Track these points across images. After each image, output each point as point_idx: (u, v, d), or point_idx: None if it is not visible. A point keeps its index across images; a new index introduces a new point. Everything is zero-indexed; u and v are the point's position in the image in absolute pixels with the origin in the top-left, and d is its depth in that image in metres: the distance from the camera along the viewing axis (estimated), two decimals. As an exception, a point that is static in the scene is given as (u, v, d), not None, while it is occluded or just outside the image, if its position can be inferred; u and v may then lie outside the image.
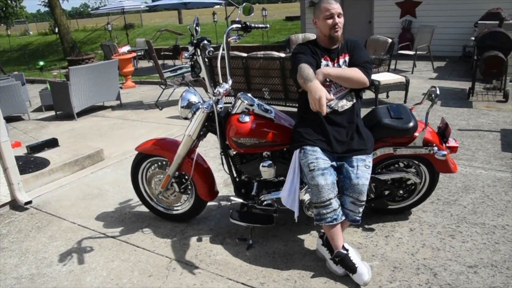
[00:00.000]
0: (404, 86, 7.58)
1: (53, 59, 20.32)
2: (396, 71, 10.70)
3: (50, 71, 15.75)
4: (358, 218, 3.03)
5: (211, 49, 2.94)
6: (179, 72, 8.67)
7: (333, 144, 3.04)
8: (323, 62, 3.13)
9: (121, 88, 10.88)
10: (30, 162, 5.35)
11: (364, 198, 2.97)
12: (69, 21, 22.98)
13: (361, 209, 3.02)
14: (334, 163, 3.03)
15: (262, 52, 6.67)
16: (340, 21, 3.07)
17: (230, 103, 6.90)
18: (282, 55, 6.47)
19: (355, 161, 3.01)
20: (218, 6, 16.47)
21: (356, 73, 3.05)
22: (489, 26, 8.41)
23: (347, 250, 3.03)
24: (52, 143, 5.90)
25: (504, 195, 4.11)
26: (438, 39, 12.13)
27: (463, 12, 12.37)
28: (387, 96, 8.15)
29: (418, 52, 10.76)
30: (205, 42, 3.09)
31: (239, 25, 3.30)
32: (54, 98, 8.27)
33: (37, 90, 10.71)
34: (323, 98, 2.69)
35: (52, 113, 8.63)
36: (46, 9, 21.37)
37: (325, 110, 2.71)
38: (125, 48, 14.42)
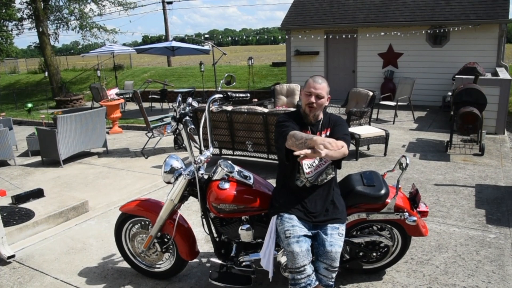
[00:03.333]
0: (384, 140, 7.83)
1: (41, 98, 20.46)
2: (378, 120, 11.02)
3: (38, 111, 15.87)
4: (331, 283, 3.16)
5: (192, 126, 3.12)
6: (165, 121, 8.83)
7: (309, 214, 3.22)
8: None
9: (108, 133, 10.99)
10: (15, 214, 5.42)
11: (337, 264, 3.12)
12: (58, 59, 23.19)
13: (334, 275, 3.15)
14: (309, 232, 3.18)
15: (245, 107, 6.89)
16: (319, 102, 3.21)
17: (216, 154, 7.03)
18: (265, 110, 6.69)
19: (329, 229, 3.18)
20: (205, 54, 16.80)
21: (343, 144, 3.17)
22: (465, 82, 8.75)
23: None
24: (38, 193, 5.97)
25: (476, 254, 4.27)
26: (419, 89, 12.57)
27: (442, 64, 12.88)
28: (368, 149, 8.38)
29: (399, 103, 11.11)
30: (187, 118, 3.28)
31: (221, 95, 3.50)
32: (41, 144, 8.36)
33: (24, 133, 10.82)
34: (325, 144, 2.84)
35: (38, 158, 8.70)
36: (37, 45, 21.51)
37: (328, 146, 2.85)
38: (114, 91, 14.66)
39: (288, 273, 3.15)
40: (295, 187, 3.29)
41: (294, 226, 3.13)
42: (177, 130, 3.37)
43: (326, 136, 3.29)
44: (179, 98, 3.44)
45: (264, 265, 3.32)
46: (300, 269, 3.05)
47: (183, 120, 3.29)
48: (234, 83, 3.68)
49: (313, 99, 3.20)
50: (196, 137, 3.53)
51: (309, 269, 3.08)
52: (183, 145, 2.99)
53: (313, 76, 3.30)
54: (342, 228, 3.24)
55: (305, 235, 3.12)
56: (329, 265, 3.10)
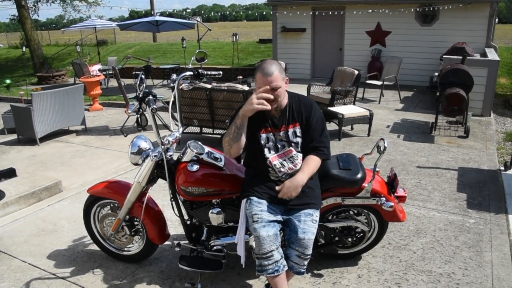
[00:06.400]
0: (368, 120, 7.70)
1: (22, 74, 19.98)
2: (364, 100, 10.90)
3: (19, 87, 15.50)
4: (302, 270, 3.04)
5: (155, 106, 2.95)
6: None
7: (280, 199, 3.06)
8: (262, 136, 3.08)
9: (88, 110, 10.74)
10: (-16, 194, 5.24)
11: (309, 252, 2.99)
12: (40, 34, 22.59)
13: (306, 262, 3.03)
14: (280, 217, 3.04)
15: (226, 85, 6.72)
16: (277, 93, 2.89)
17: (196, 133, 6.88)
18: (246, 88, 6.53)
19: (302, 215, 3.02)
20: (191, 29, 16.48)
21: (317, 165, 3.07)
22: (452, 62, 8.62)
23: None
24: (9, 173, 5.78)
25: (454, 240, 4.19)
26: (406, 69, 12.44)
27: (431, 43, 12.71)
28: (352, 129, 8.26)
29: (385, 83, 10.96)
30: (150, 97, 3.11)
31: (191, 73, 3.33)
32: (16, 122, 8.10)
33: (2, 110, 10.52)
34: (260, 99, 2.80)
35: (15, 136, 8.45)
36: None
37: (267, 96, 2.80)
38: (96, 67, 14.35)
39: (255, 259, 3.00)
40: (264, 171, 3.13)
41: (263, 210, 2.99)
42: (140, 110, 3.20)
43: (294, 133, 3.08)
44: (142, 76, 3.25)
45: (237, 250, 3.18)
46: (267, 254, 2.91)
47: (146, 99, 3.12)
48: (207, 60, 3.49)
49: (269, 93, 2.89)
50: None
51: (277, 255, 2.94)
52: (146, 126, 2.84)
53: (261, 65, 2.91)
54: (316, 215, 3.08)
55: (274, 221, 2.98)
56: (301, 253, 2.97)
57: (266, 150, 3.08)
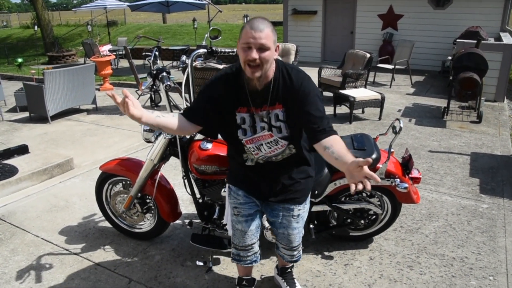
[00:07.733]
0: (379, 103, 7.63)
1: (33, 53, 20.02)
2: (375, 84, 10.80)
3: (30, 66, 15.52)
4: (295, 259, 2.99)
5: (169, 83, 2.92)
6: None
7: (255, 192, 2.74)
8: (238, 116, 2.47)
9: (98, 90, 10.74)
10: (-2, 170, 5.28)
11: (295, 244, 2.89)
12: (51, 14, 22.56)
13: (295, 253, 2.96)
14: (260, 207, 2.82)
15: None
16: (263, 56, 2.21)
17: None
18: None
19: (281, 210, 2.75)
20: (201, 10, 16.37)
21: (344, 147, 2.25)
22: (466, 46, 8.49)
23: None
24: (22, 149, 5.81)
25: (467, 224, 4.15)
26: (418, 53, 12.28)
27: (444, 27, 12.48)
28: (363, 112, 8.20)
29: (397, 67, 10.84)
30: (164, 74, 3.08)
31: (205, 50, 3.29)
32: (28, 100, 8.14)
33: (14, 88, 10.54)
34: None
35: (27, 114, 8.49)
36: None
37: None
38: (107, 47, 14.31)
39: (233, 248, 2.92)
40: (240, 161, 2.67)
41: (242, 203, 2.74)
42: (154, 87, 3.17)
43: (277, 116, 2.43)
44: (155, 52, 3.22)
45: (228, 230, 3.09)
46: (247, 247, 2.86)
47: (160, 76, 3.09)
48: (220, 38, 3.45)
49: (254, 54, 2.19)
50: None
51: (256, 247, 2.90)
52: (160, 103, 2.83)
53: (250, 20, 2.25)
54: (298, 209, 2.74)
55: (256, 211, 2.79)
56: (285, 245, 2.91)
57: (240, 131, 2.49)
